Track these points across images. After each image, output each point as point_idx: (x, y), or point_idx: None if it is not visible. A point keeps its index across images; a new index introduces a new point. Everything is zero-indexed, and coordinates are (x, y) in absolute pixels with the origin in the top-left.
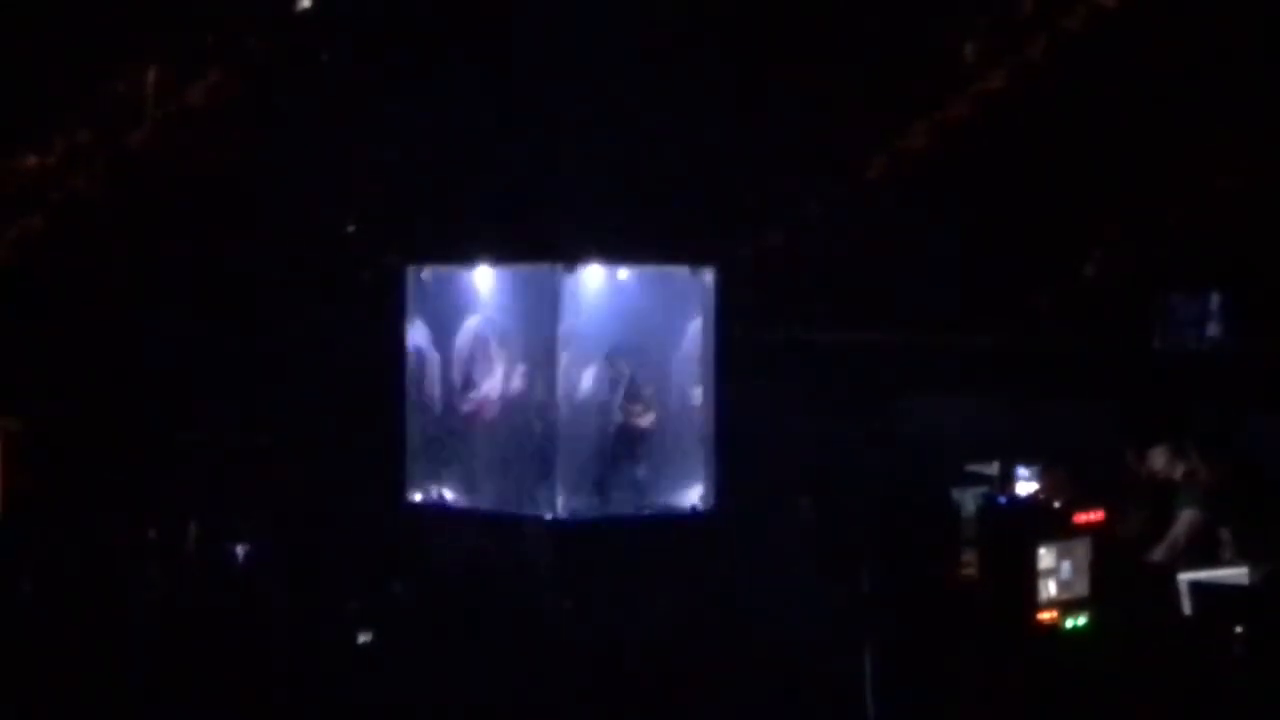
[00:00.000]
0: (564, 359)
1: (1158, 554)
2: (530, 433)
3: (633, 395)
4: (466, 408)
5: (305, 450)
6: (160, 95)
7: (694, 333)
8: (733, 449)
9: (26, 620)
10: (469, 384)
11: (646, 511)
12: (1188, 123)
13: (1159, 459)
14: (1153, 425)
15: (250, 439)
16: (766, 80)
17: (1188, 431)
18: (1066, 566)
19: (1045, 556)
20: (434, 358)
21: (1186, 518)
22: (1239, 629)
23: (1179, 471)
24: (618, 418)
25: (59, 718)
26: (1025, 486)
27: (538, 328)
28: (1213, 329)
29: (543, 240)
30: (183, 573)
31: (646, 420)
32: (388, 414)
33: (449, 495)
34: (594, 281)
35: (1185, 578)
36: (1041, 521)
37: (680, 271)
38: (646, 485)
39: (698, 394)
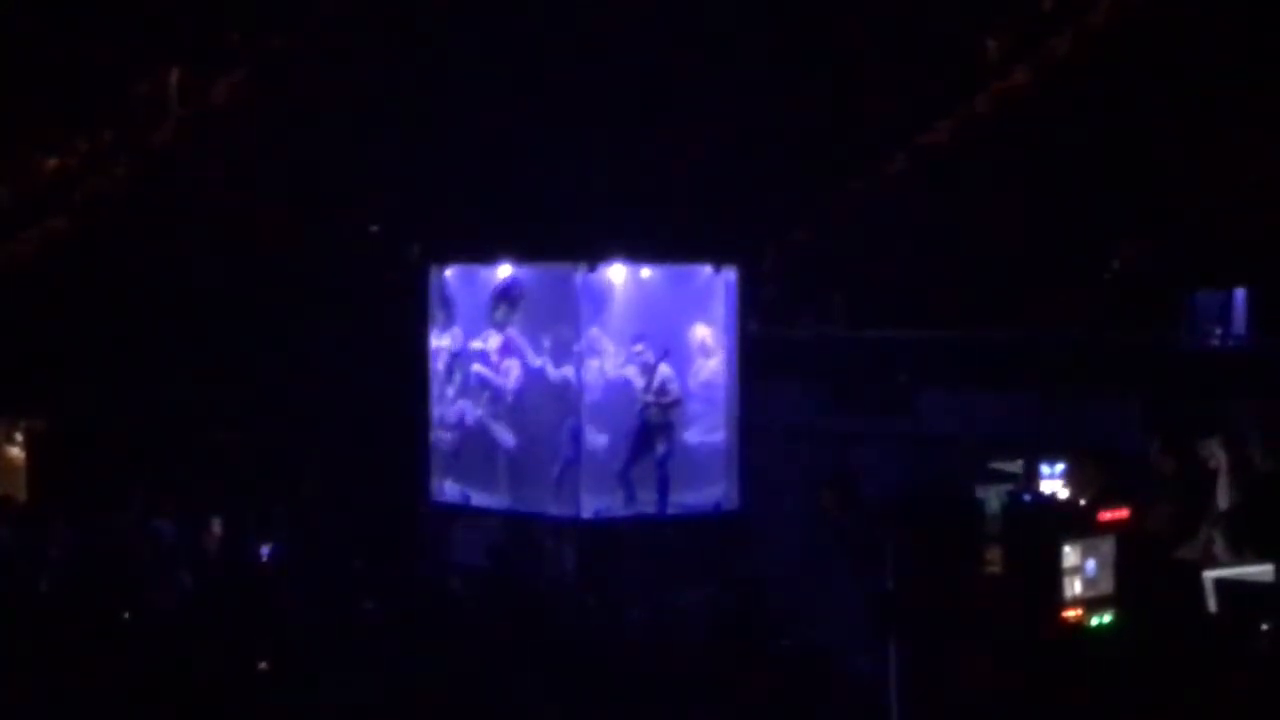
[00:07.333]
0: (587, 357)
1: (1188, 550)
2: (554, 431)
3: (657, 384)
4: (491, 406)
5: (328, 450)
6: (183, 95)
7: (716, 331)
8: (756, 446)
9: (48, 616)
10: (494, 381)
11: (670, 511)
12: (1214, 119)
13: (1210, 445)
14: (1177, 420)
15: (273, 438)
16: (788, 79)
17: (1219, 426)
18: (1091, 564)
19: (1070, 554)
20: (457, 356)
21: (1218, 516)
22: (1265, 626)
23: (1215, 464)
24: (645, 399)
25: (78, 712)
26: (1049, 484)
27: (561, 326)
28: (1237, 325)
29: (566, 239)
30: (205, 571)
31: (670, 411)
32: (410, 413)
33: (471, 495)
34: (617, 280)
35: (1211, 575)
36: (1066, 519)
37: (703, 270)
38: (670, 483)
39: (720, 392)
